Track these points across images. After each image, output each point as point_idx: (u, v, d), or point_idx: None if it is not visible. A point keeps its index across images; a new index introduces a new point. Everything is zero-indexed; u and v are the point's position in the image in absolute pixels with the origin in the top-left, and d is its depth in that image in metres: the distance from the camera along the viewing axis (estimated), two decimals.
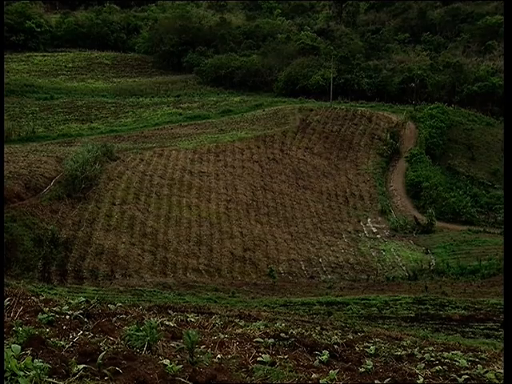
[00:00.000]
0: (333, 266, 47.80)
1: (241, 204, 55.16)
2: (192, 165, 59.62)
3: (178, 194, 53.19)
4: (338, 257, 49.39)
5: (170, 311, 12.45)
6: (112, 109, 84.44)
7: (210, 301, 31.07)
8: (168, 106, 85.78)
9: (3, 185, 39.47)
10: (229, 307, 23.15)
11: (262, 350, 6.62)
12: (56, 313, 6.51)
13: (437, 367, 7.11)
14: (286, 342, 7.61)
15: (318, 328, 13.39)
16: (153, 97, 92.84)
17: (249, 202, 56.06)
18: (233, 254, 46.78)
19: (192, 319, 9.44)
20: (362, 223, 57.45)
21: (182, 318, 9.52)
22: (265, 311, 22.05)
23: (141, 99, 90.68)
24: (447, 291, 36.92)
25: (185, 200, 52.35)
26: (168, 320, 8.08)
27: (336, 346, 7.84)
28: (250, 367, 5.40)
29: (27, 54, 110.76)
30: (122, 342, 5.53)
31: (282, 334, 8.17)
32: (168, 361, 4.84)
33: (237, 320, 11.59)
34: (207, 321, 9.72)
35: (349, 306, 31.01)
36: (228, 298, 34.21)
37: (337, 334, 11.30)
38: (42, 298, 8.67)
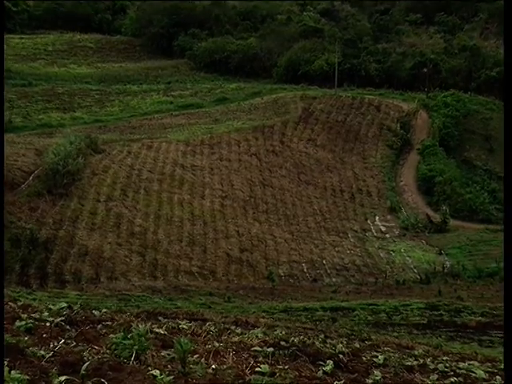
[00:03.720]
0: (338, 268, 47.91)
1: (237, 201, 55.22)
2: (184, 158, 59.65)
3: (169, 189, 53.23)
4: (343, 258, 49.51)
5: (160, 317, 12.47)
6: (96, 97, 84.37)
7: (204, 306, 31.13)
8: (158, 94, 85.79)
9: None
10: (224, 313, 23.20)
11: (260, 359, 6.62)
12: (35, 320, 6.52)
13: (451, 379, 7.12)
14: (286, 351, 7.62)
15: (322, 336, 13.42)
16: (141, 84, 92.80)
17: (246, 199, 56.12)
18: (229, 255, 46.84)
19: (184, 326, 9.46)
20: (369, 221, 57.58)
21: (173, 324, 9.54)
22: (263, 317, 22.10)
23: (128, 86, 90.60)
24: (463, 296, 37.04)
25: (176, 196, 52.38)
26: (158, 327, 8.09)
27: (341, 356, 7.86)
28: (248, 378, 5.40)
29: None
30: (107, 351, 5.54)
31: (283, 343, 8.18)
32: (158, 371, 4.84)
33: (233, 327, 11.61)
34: (201, 328, 9.74)
35: (355, 312, 31.11)
36: (223, 303, 34.29)
37: (342, 343, 11.32)
38: (19, 303, 8.68)
